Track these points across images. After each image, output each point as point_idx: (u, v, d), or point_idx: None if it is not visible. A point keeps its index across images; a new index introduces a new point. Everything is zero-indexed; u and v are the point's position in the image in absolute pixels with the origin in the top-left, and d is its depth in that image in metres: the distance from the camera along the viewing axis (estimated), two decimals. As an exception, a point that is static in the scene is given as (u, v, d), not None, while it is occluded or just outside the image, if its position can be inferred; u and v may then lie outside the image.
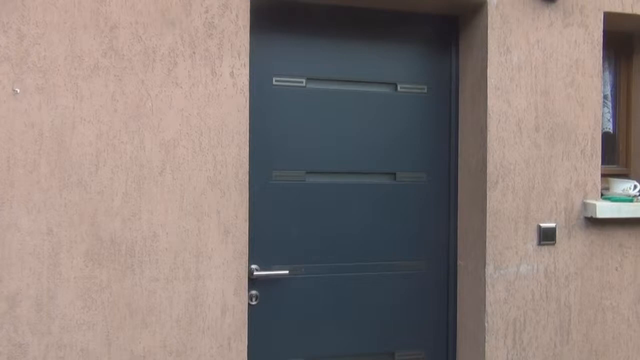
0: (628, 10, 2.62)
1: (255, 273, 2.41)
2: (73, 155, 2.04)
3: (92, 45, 2.06)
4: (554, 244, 2.54)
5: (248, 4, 2.20)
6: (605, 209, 2.51)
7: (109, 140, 2.07)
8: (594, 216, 2.52)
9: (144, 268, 2.11)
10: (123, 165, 2.09)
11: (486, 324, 2.47)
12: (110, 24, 2.07)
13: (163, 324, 2.13)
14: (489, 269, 2.47)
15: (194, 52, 2.15)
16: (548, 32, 2.52)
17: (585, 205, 2.57)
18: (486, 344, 2.47)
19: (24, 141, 2.00)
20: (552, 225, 2.53)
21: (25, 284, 2.01)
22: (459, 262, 2.67)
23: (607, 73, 2.89)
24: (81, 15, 2.04)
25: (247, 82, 2.20)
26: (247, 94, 2.20)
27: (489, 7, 2.46)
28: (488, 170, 2.47)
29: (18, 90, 1.98)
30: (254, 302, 2.43)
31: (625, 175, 2.92)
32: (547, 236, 2.53)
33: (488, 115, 2.46)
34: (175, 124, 2.13)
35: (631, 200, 2.59)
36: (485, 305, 2.47)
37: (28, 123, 2.00)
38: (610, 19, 2.63)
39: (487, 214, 2.47)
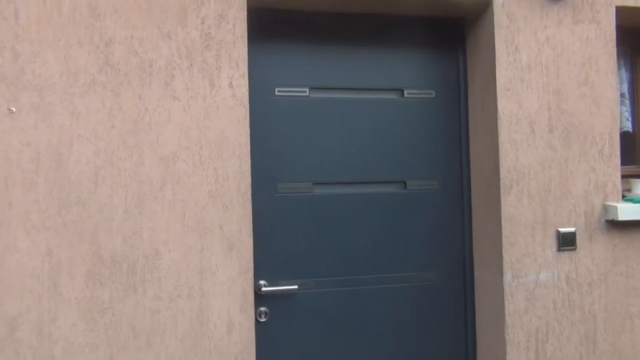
0: (641, 4, 2.52)
1: (264, 289, 2.33)
2: (71, 173, 2.01)
3: (88, 62, 2.03)
4: (574, 250, 2.43)
5: (245, 13, 2.16)
6: (627, 211, 2.39)
7: (107, 157, 2.03)
8: (615, 219, 2.40)
9: (147, 287, 2.06)
10: (122, 182, 2.05)
11: (506, 336, 2.35)
12: (105, 39, 2.04)
13: (168, 344, 2.07)
14: (507, 277, 2.36)
15: (191, 64, 2.11)
16: (558, 30, 2.43)
17: (606, 207, 2.45)
18: (507, 357, 2.35)
19: (20, 160, 1.96)
20: (572, 229, 2.42)
21: (25, 306, 1.96)
22: (476, 271, 2.56)
23: (622, 70, 2.79)
24: (76, 32, 2.02)
25: (246, 93, 2.15)
26: (247, 104, 2.15)
27: (494, 7, 2.38)
28: (501, 175, 2.37)
29: (14, 110, 1.96)
30: (263, 319, 2.35)
31: (647, 176, 2.79)
32: (566, 241, 2.41)
33: (499, 118, 2.38)
34: (174, 138, 2.09)
35: (655, 201, 2.47)
36: (504, 316, 2.36)
37: (25, 142, 1.97)
38: (622, 13, 2.53)
39: (502, 221, 2.37)
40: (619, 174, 2.48)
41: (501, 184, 2.37)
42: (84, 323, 2.01)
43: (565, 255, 2.42)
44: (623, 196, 2.55)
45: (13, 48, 1.96)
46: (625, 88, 2.80)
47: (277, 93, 2.41)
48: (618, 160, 2.48)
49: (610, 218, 2.43)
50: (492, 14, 2.38)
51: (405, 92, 2.54)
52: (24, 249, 1.96)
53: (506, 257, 2.37)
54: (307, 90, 2.45)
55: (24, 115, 1.97)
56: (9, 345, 1.95)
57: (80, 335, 2.00)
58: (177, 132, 2.09)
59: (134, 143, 2.06)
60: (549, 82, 2.42)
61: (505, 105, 2.38)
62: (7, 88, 1.95)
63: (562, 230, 2.41)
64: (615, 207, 2.39)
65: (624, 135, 2.72)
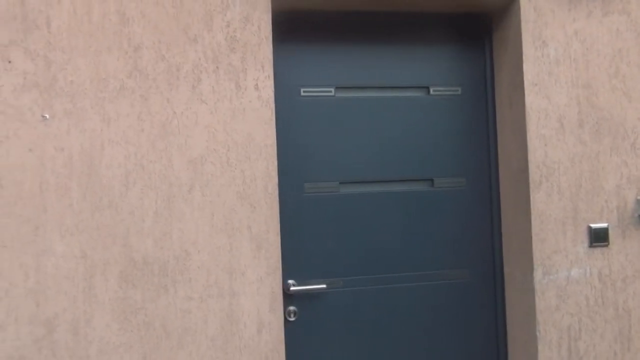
0: (673, -7, 2.46)
1: (292, 288, 2.35)
2: (103, 177, 2.05)
3: (117, 67, 2.07)
4: (607, 245, 2.39)
5: (269, 15, 2.18)
6: (661, 206, 2.35)
7: (138, 161, 2.07)
8: (649, 214, 2.36)
9: (178, 287, 2.09)
10: (152, 184, 2.08)
11: (538, 334, 2.33)
12: (133, 45, 2.08)
13: (199, 344, 2.10)
14: (538, 274, 2.33)
15: (217, 67, 2.13)
16: (587, 22, 2.39)
17: (639, 202, 2.40)
18: (539, 354, 2.33)
19: (55, 166, 2.02)
20: (604, 225, 2.38)
21: (61, 308, 2.01)
22: (506, 268, 2.54)
23: (655, 61, 2.72)
24: (105, 38, 2.06)
25: (272, 94, 2.17)
26: (272, 106, 2.17)
27: (521, 1, 2.35)
28: (530, 171, 2.34)
29: (47, 116, 2.01)
30: (292, 318, 2.37)
31: (682, 169, 2.73)
32: (599, 237, 2.37)
33: (527, 113, 2.35)
34: (202, 141, 2.12)
35: (690, 195, 2.41)
36: (535, 313, 2.33)
37: (58, 147, 2.02)
38: (654, 3, 2.47)
39: (532, 217, 2.34)
40: (652, 168, 2.43)
41: (530, 180, 2.34)
42: (118, 323, 2.05)
43: (597, 251, 2.38)
44: (657, 190, 2.50)
45: (45, 56, 2.02)
46: (658, 79, 2.74)
47: (302, 93, 2.42)
48: (651, 154, 2.43)
49: (644, 213, 2.38)
50: (519, 8, 2.36)
51: (431, 90, 2.53)
52: (59, 252, 2.02)
53: (536, 254, 2.34)
54: (333, 90, 2.45)
55: (57, 122, 2.02)
56: (46, 345, 2.00)
57: (115, 336, 2.05)
58: (204, 135, 2.12)
59: (163, 146, 2.09)
60: (578, 75, 2.38)
61: (533, 100, 2.35)
62: (40, 95, 2.01)
63: (594, 225, 2.37)
64: (649, 202, 2.35)
65: (658, 128, 2.66)
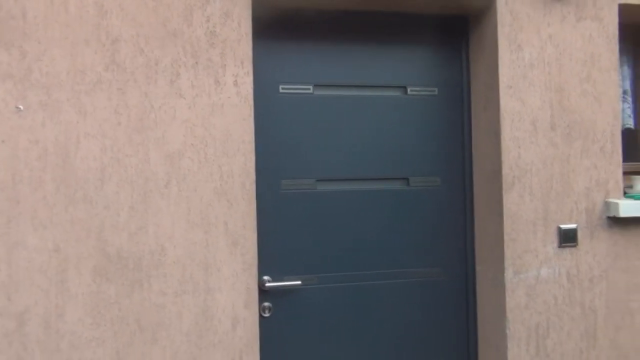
0: (644, 1, 2.53)
1: (268, 284, 2.36)
2: (78, 170, 2.03)
3: (94, 60, 2.05)
4: (575, 246, 2.45)
5: (250, 12, 2.18)
6: (629, 208, 2.41)
7: (114, 154, 2.06)
8: (617, 215, 2.42)
9: (152, 282, 2.08)
10: (128, 179, 2.07)
11: (507, 331, 2.38)
12: (111, 38, 2.06)
13: (173, 339, 2.10)
14: (508, 273, 2.38)
15: (196, 62, 2.13)
16: (560, 27, 2.44)
17: (607, 204, 2.47)
18: (508, 352, 2.38)
19: (28, 158, 1.99)
20: (573, 226, 2.44)
21: (33, 301, 1.99)
22: (477, 267, 2.59)
23: (625, 67, 2.80)
24: (83, 30, 2.04)
25: (251, 91, 2.17)
26: (251, 102, 2.17)
27: (498, 4, 2.39)
28: (503, 172, 2.39)
29: (22, 108, 1.98)
30: (267, 314, 2.38)
31: (649, 173, 2.81)
32: (568, 238, 2.43)
33: (501, 115, 2.39)
34: (180, 135, 2.11)
35: (656, 198, 2.49)
36: (505, 311, 2.38)
37: (32, 140, 1.99)
38: (625, 10, 2.54)
39: (504, 217, 2.39)
40: (620, 171, 2.50)
41: (503, 181, 2.39)
42: (91, 318, 2.04)
43: (566, 251, 2.44)
44: (625, 193, 2.57)
45: (21, 47, 1.98)
46: (627, 85, 2.82)
47: (281, 90, 2.43)
48: (620, 157, 2.49)
49: (612, 215, 2.45)
50: (496, 11, 2.40)
51: (409, 90, 2.56)
52: (31, 245, 1.99)
53: (507, 253, 2.39)
54: (311, 87, 2.46)
55: (31, 113, 1.99)
56: (17, 339, 1.98)
57: (87, 330, 2.04)
58: (182, 130, 2.11)
59: (139, 140, 2.08)
60: (552, 79, 2.43)
61: (507, 102, 2.39)
62: (14, 86, 1.98)
63: (563, 226, 2.43)
64: (617, 204, 2.41)
65: (626, 132, 2.74)
